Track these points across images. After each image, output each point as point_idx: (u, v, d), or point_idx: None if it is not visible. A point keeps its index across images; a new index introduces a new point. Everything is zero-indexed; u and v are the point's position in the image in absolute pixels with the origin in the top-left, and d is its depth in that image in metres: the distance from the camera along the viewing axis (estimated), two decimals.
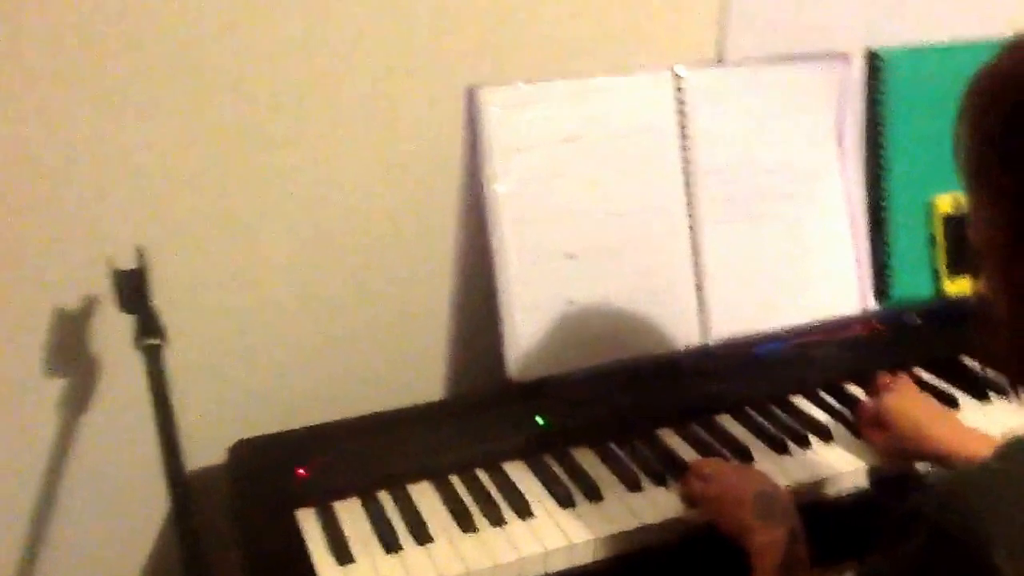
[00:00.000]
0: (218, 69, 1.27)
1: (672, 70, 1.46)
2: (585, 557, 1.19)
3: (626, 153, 1.45)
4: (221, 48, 1.26)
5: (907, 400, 1.34)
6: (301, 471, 1.27)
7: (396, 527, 1.21)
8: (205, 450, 1.36)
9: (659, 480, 1.27)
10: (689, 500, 1.23)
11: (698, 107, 1.47)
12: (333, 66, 1.32)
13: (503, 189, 1.40)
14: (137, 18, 1.21)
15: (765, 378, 1.48)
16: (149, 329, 1.16)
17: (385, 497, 1.27)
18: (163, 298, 1.18)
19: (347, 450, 1.31)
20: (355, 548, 1.17)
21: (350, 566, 1.15)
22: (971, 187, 0.84)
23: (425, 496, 1.27)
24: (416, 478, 1.29)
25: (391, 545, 1.17)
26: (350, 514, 1.24)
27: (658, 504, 1.24)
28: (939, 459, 1.26)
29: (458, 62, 1.37)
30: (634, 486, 1.27)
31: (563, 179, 1.42)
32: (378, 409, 1.41)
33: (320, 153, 1.35)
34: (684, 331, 1.48)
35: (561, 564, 1.18)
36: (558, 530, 1.20)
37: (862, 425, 1.35)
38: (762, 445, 1.34)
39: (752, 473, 1.25)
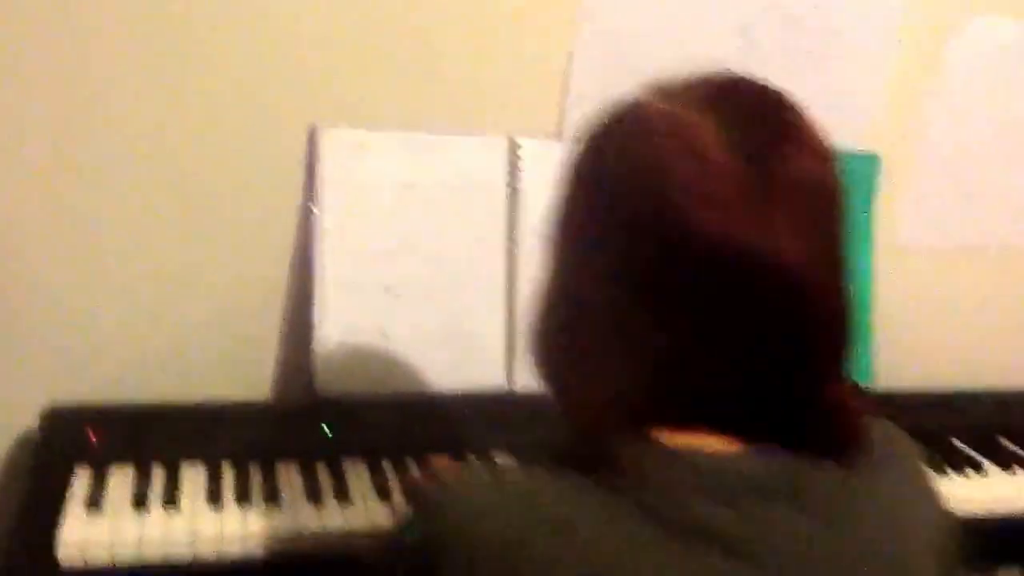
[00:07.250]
0: (84, 97, 1.47)
1: (509, 137, 1.61)
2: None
3: (455, 204, 1.59)
4: (75, 84, 1.46)
5: None
6: (93, 436, 1.41)
7: (152, 492, 1.33)
8: None
9: None
10: None
11: (530, 174, 1.61)
12: (178, 97, 1.51)
13: (328, 222, 1.54)
14: None
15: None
16: None
17: (158, 470, 1.40)
18: None
19: (150, 427, 1.45)
20: (107, 503, 1.30)
21: (95, 516, 1.27)
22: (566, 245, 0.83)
23: (192, 476, 1.39)
24: (194, 461, 1.42)
25: (139, 504, 1.30)
26: (121, 478, 1.37)
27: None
28: None
29: (306, 104, 1.55)
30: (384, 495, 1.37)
31: (391, 219, 1.57)
32: (202, 399, 1.54)
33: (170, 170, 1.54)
34: (490, 376, 1.59)
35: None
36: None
37: None
38: None
39: None
